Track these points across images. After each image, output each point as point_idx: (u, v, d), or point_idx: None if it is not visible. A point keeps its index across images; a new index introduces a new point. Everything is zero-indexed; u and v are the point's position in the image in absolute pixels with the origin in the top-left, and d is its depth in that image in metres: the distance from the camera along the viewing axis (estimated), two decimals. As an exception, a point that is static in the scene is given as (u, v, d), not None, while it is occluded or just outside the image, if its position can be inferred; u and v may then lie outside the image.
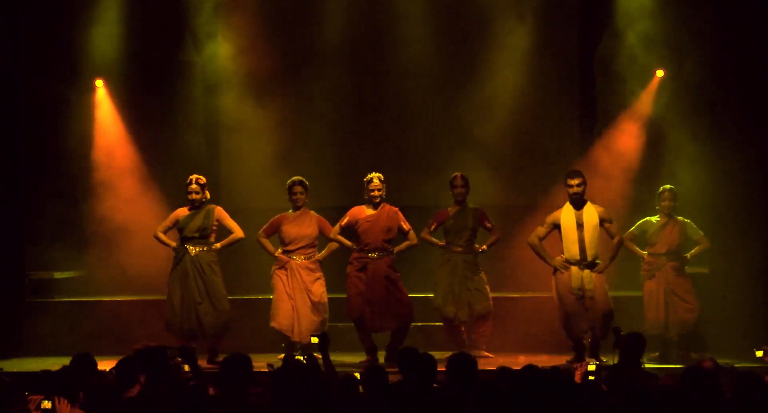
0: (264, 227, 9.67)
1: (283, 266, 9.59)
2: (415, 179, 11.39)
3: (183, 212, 9.56)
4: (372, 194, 9.48)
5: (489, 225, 9.76)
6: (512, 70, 11.50)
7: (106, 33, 11.09)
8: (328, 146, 11.64)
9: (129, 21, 11.20)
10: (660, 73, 11.11)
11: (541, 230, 9.54)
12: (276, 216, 9.68)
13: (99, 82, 11.33)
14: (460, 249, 9.70)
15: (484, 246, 9.77)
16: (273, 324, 9.58)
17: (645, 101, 11.17)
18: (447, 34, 11.67)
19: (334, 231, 9.61)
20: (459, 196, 9.70)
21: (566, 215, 9.40)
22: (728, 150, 10.41)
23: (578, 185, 9.37)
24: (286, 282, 9.55)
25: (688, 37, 10.70)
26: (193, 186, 9.51)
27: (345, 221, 9.57)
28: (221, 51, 11.51)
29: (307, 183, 9.63)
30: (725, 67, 10.53)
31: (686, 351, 9.66)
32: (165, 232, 9.58)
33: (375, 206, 9.51)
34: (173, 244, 9.52)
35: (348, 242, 9.59)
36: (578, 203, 9.41)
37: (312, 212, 9.68)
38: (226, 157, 11.83)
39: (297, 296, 9.52)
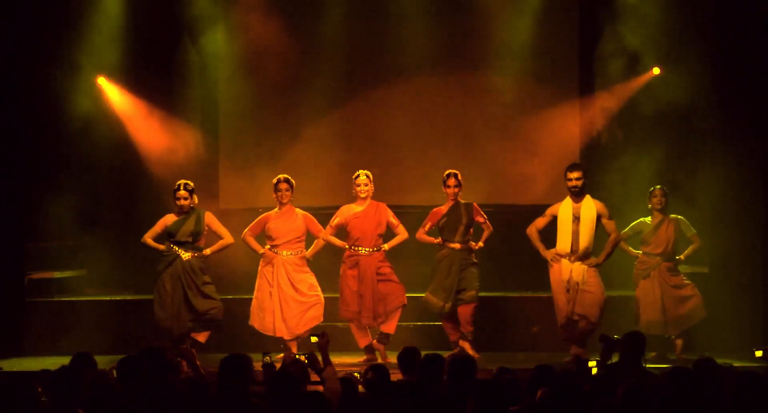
0: (250, 225, 9.64)
1: (269, 262, 9.59)
2: (414, 178, 11.39)
3: (171, 217, 9.49)
4: (358, 189, 9.53)
5: (481, 219, 9.74)
6: (512, 69, 11.52)
7: (105, 33, 11.10)
8: (329, 146, 11.65)
9: (128, 21, 11.21)
10: (656, 70, 11.13)
11: (540, 221, 9.60)
12: (261, 215, 9.67)
13: (101, 80, 11.33)
14: (457, 246, 9.69)
15: (480, 243, 9.76)
16: (252, 322, 9.61)
17: (639, 98, 11.20)
18: (446, 34, 11.66)
19: (325, 232, 9.63)
20: (453, 195, 9.70)
21: (564, 207, 9.45)
22: (727, 149, 10.41)
23: (577, 179, 9.39)
24: (270, 280, 9.53)
25: (688, 37, 10.70)
26: (182, 192, 9.41)
27: (336, 221, 9.61)
28: (220, 51, 11.53)
29: (293, 182, 9.62)
30: (725, 66, 10.54)
31: (684, 354, 9.70)
32: (153, 238, 9.53)
33: (362, 203, 9.53)
34: (162, 247, 9.48)
35: (339, 242, 9.62)
36: (577, 196, 9.42)
37: (298, 209, 9.67)
38: (226, 157, 11.83)
39: (282, 291, 9.49)
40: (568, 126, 11.72)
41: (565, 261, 9.40)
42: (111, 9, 11.14)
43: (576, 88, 11.74)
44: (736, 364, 7.50)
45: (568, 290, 9.35)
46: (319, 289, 9.62)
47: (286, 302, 9.50)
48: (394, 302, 9.54)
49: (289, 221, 9.58)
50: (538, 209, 9.76)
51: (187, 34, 11.53)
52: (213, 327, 9.45)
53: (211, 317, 9.38)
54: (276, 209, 9.65)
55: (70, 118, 11.09)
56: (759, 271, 10.38)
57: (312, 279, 9.62)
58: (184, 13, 11.35)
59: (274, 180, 9.61)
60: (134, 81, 11.42)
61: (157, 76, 11.48)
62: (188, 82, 11.63)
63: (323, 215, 9.86)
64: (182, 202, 9.41)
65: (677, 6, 10.83)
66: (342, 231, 9.65)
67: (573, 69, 11.73)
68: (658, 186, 9.88)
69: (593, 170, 10.49)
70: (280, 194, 9.56)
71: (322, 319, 9.57)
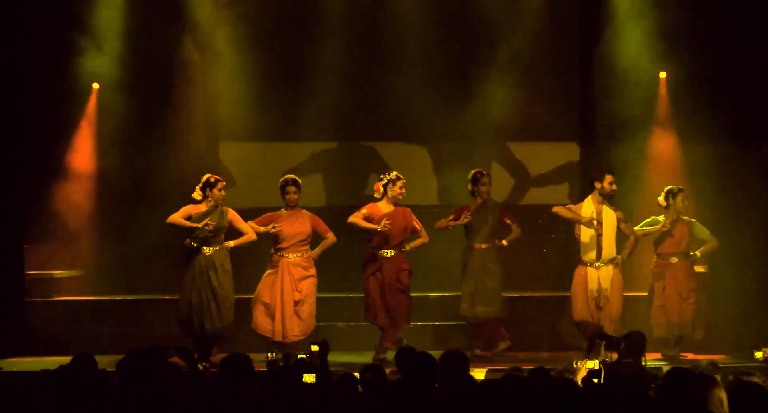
0: (256, 220, 9.57)
1: (274, 266, 9.57)
2: (417, 178, 11.39)
3: (195, 209, 9.48)
4: (397, 192, 9.40)
5: (508, 221, 9.68)
6: (512, 70, 11.53)
7: (104, 34, 11.13)
8: (330, 145, 11.65)
9: (127, 22, 11.22)
10: (663, 74, 11.12)
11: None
12: (268, 213, 9.63)
13: (96, 85, 11.34)
14: (481, 246, 9.67)
15: (504, 241, 9.72)
16: (252, 325, 9.59)
17: (650, 105, 11.20)
18: (447, 34, 11.68)
19: (355, 215, 9.45)
20: (485, 193, 9.65)
21: (586, 210, 9.34)
22: (728, 150, 10.41)
23: (615, 183, 9.32)
24: (273, 283, 9.51)
25: (689, 37, 10.71)
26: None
27: (364, 211, 9.46)
28: (221, 51, 11.54)
29: (300, 182, 9.61)
30: (727, 67, 10.54)
31: (677, 351, 9.70)
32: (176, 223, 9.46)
33: (389, 206, 9.47)
34: (190, 224, 9.32)
35: (369, 224, 9.41)
36: (610, 200, 9.34)
37: (304, 210, 9.64)
38: (226, 157, 11.83)
39: (284, 294, 9.46)
40: (570, 129, 11.72)
41: (591, 270, 9.29)
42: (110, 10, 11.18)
43: (577, 90, 11.74)
44: (736, 364, 7.51)
45: (596, 297, 9.20)
46: (315, 296, 9.57)
47: (288, 306, 9.47)
48: (399, 318, 9.47)
49: (296, 224, 9.53)
50: (539, 210, 9.72)
51: (188, 34, 11.53)
52: (216, 337, 9.42)
53: (213, 333, 9.36)
54: (283, 209, 9.62)
55: (70, 118, 11.11)
56: (759, 271, 10.37)
57: (313, 286, 9.57)
58: (186, 14, 11.37)
59: (281, 181, 9.58)
60: (133, 82, 11.40)
61: (156, 76, 11.48)
62: (189, 82, 11.63)
63: (324, 214, 9.84)
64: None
65: (678, 9, 10.83)
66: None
67: (574, 71, 11.73)
68: (669, 187, 9.87)
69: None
70: (287, 196, 9.52)
71: (312, 329, 9.55)
